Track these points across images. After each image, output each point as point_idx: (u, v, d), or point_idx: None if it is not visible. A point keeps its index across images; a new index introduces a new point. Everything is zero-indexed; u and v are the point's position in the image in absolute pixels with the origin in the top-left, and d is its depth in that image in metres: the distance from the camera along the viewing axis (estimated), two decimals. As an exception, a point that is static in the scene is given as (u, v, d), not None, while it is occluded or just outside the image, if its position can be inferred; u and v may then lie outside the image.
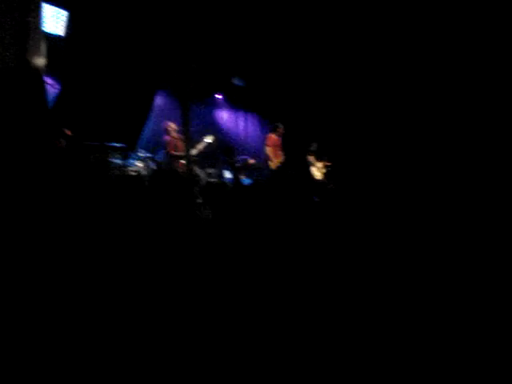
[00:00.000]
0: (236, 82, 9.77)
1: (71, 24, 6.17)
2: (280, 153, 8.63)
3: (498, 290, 2.76)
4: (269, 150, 8.52)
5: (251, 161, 9.15)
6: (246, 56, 9.22)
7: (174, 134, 7.95)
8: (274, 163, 8.49)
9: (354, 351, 2.24)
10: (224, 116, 10.43)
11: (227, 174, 8.86)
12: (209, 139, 8.22)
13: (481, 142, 7.68)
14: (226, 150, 9.04)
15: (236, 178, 8.29)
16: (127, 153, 6.63)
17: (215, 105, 10.32)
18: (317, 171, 8.91)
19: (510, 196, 6.49)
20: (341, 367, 2.15)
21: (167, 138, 7.98)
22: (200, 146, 8.08)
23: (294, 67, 9.53)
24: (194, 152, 7.80)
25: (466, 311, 2.54)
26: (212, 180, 8.03)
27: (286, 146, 8.76)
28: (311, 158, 8.94)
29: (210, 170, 8.80)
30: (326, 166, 8.94)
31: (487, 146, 7.61)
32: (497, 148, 7.49)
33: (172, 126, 7.92)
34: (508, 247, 3.47)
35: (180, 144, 7.84)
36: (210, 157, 8.70)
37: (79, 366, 2.06)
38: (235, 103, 10.54)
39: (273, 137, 8.61)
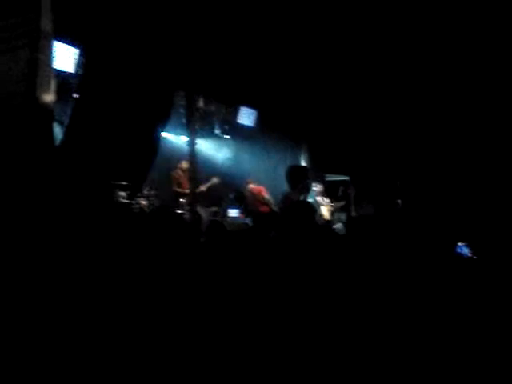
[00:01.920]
0: (242, 121, 9.81)
1: (81, 62, 6.31)
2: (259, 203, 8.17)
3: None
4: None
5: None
6: (253, 97, 9.32)
7: (181, 173, 8.12)
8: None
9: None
10: (230, 155, 10.41)
11: (232, 214, 8.81)
12: (215, 180, 8.30)
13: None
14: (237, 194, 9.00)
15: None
16: (132, 191, 6.66)
17: (222, 143, 10.33)
18: (325, 211, 8.68)
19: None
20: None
21: (174, 174, 8.17)
22: (205, 186, 8.17)
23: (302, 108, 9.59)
24: (198, 190, 7.86)
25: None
26: (215, 219, 7.99)
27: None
28: (318, 198, 8.70)
29: (214, 209, 8.76)
30: (331, 206, 8.79)
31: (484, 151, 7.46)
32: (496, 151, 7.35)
33: (184, 164, 8.06)
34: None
35: (185, 182, 7.95)
36: (214, 195, 8.69)
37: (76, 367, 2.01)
38: (241, 142, 10.54)
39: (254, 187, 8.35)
